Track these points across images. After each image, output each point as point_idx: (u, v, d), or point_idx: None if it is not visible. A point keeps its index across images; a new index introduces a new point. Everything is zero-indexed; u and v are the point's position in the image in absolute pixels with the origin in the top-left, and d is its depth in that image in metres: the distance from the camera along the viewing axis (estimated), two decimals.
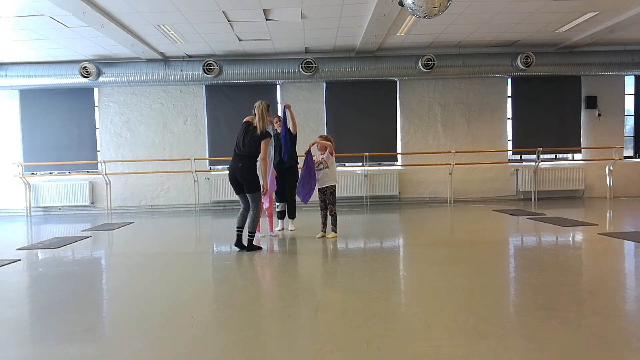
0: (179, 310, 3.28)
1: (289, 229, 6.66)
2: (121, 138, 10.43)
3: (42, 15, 7.04)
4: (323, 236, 5.93)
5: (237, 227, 5.30)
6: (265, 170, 5.19)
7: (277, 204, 6.66)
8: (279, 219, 6.71)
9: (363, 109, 10.41)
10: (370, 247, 5.35)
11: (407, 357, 2.34)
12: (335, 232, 5.94)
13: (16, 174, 10.05)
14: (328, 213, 5.93)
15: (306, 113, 10.39)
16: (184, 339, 2.69)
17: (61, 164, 10.23)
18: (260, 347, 2.53)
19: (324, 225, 5.97)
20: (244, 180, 5.11)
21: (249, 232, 5.23)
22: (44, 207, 10.33)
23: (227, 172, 5.28)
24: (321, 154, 5.95)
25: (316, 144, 5.96)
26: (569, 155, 10.88)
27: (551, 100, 10.52)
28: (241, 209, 5.33)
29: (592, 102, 10.53)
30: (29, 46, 8.73)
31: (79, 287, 3.96)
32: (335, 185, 5.91)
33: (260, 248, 5.37)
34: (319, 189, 5.92)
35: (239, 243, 5.28)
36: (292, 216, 6.67)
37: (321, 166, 5.89)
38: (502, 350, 2.37)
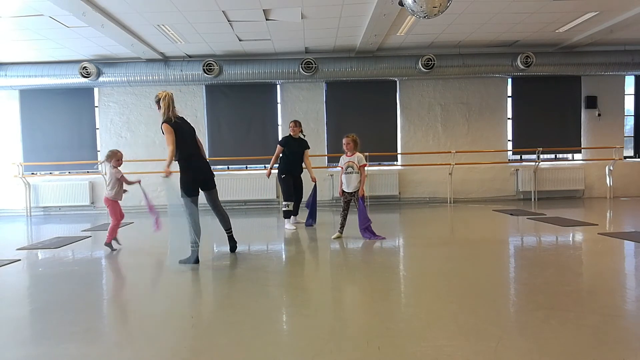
0: (179, 310, 3.28)
1: (291, 226, 6.92)
2: (121, 138, 10.43)
3: (42, 15, 7.04)
4: (339, 237, 5.91)
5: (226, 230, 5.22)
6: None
7: (286, 203, 6.93)
8: (285, 217, 7.02)
9: (363, 109, 10.41)
10: (370, 247, 5.34)
11: (407, 357, 2.34)
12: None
13: (16, 174, 10.05)
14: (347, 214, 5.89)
15: (306, 113, 10.39)
16: (184, 339, 2.69)
17: (61, 164, 10.23)
18: (260, 347, 2.53)
19: (342, 226, 5.95)
20: (212, 176, 4.98)
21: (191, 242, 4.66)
22: (44, 207, 10.33)
23: (196, 175, 4.83)
24: (349, 155, 5.76)
25: (345, 144, 5.74)
26: (569, 155, 10.88)
27: (551, 100, 10.52)
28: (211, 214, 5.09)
29: (592, 102, 10.53)
30: (29, 46, 8.72)
31: (79, 287, 3.96)
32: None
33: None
34: (346, 192, 5.85)
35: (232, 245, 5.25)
36: (295, 214, 7.15)
37: (350, 169, 5.75)
38: (502, 350, 2.37)
